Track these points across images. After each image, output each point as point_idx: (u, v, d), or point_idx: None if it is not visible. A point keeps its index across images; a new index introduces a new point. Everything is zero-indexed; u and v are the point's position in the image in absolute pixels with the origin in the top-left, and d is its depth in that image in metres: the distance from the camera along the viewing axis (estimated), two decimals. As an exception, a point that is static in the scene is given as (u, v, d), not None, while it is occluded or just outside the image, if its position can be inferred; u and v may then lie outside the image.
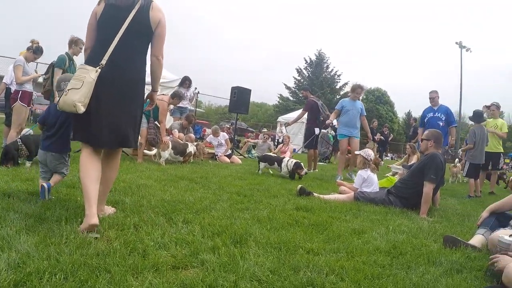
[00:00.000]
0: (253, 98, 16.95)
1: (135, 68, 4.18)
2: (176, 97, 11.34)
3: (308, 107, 13.20)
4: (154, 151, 10.14)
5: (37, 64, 17.24)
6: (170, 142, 10.13)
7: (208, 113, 74.18)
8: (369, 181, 7.60)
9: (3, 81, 10.55)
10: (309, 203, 6.04)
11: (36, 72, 8.95)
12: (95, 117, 3.98)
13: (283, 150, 16.36)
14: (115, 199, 5.02)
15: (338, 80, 64.30)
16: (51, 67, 9.11)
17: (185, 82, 14.71)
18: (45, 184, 4.68)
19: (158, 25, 4.18)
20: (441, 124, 10.74)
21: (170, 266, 3.07)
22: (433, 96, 11.15)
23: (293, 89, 64.20)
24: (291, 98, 63.90)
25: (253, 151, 18.67)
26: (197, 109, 20.52)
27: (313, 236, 4.28)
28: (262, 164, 10.55)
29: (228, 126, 31.36)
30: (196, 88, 16.17)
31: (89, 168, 4.02)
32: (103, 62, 3.94)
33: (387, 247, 4.12)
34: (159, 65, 4.38)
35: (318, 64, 64.59)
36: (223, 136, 14.21)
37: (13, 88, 9.09)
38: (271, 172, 10.66)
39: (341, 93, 62.53)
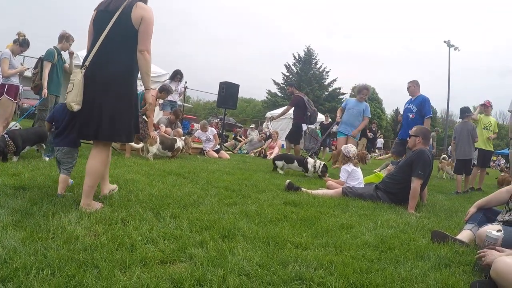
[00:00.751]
0: (242, 93, 17.02)
1: (116, 66, 4.40)
2: (164, 91, 11.28)
3: (295, 103, 13.20)
4: (141, 144, 10.07)
5: (24, 58, 17.15)
6: (158, 137, 10.07)
7: (196, 108, 74.13)
8: (353, 174, 7.73)
9: None
10: (297, 198, 6.06)
11: (23, 65, 8.87)
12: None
13: (272, 146, 16.38)
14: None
15: (326, 77, 64.44)
16: (40, 61, 9.12)
17: (176, 76, 14.63)
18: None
19: (141, 22, 4.36)
20: (411, 116, 10.27)
21: (158, 260, 3.06)
22: (408, 86, 10.65)
23: (281, 85, 64.12)
24: (279, 94, 63.92)
25: (242, 147, 18.68)
26: (185, 104, 20.39)
27: (301, 230, 4.28)
28: (279, 163, 10.29)
29: (216, 121, 31.28)
30: (186, 82, 16.03)
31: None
32: (87, 63, 4.34)
33: (375, 242, 4.13)
34: (143, 60, 4.47)
35: (306, 61, 64.65)
36: (211, 131, 14.14)
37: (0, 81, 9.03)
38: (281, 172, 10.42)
39: (329, 89, 62.75)
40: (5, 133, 7.06)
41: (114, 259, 2.95)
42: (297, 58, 65.27)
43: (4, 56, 8.10)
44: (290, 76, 64.09)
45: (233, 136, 23.48)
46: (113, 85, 4.39)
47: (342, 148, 8.15)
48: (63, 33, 9.31)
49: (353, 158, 7.96)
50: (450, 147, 19.69)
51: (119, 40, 4.39)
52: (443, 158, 16.49)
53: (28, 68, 9.29)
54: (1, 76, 8.49)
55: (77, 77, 4.29)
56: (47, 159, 7.61)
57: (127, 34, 4.39)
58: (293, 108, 13.37)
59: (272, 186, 7.31)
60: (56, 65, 9.23)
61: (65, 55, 9.47)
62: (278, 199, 5.94)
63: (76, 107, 4.28)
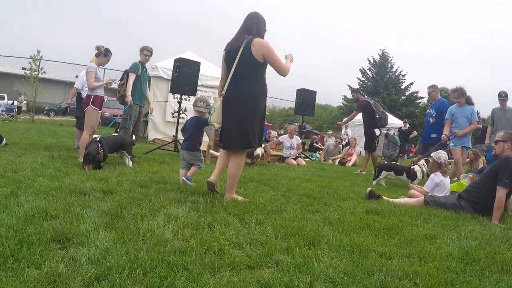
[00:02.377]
0: (317, 99, 16.82)
1: (245, 92, 5.51)
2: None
3: (361, 108, 12.78)
4: (221, 151, 10.21)
5: (104, 70, 17.87)
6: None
7: (272, 115, 74.32)
8: (441, 185, 7.36)
9: (74, 86, 11.34)
10: (379, 207, 5.97)
11: (110, 78, 9.31)
12: (222, 128, 5.64)
13: (350, 153, 16.19)
14: (191, 198, 5.36)
15: (403, 80, 62.58)
16: (126, 73, 9.69)
17: None
18: (184, 178, 6.58)
19: (265, 57, 5.46)
20: (431, 120, 10.69)
21: (245, 265, 3.14)
22: (429, 92, 11.08)
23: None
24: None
25: (316, 154, 18.57)
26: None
27: (384, 240, 4.23)
28: (384, 173, 9.83)
29: (293, 128, 31.10)
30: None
31: (221, 156, 6.02)
32: (223, 92, 5.59)
33: (459, 253, 4.01)
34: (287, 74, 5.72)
35: (382, 64, 63.06)
36: (297, 139, 14.00)
37: (84, 92, 9.56)
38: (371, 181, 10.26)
39: (406, 93, 61.21)
40: (98, 140, 7.38)
41: (203, 262, 3.05)
42: (372, 62, 64.02)
43: (90, 69, 8.48)
44: (366, 81, 62.96)
45: (309, 143, 23.37)
46: (244, 107, 5.47)
47: (433, 155, 7.88)
48: (140, 47, 10.09)
49: (443, 166, 7.67)
50: None
51: (245, 72, 5.49)
52: None
53: (114, 81, 9.71)
54: (87, 88, 8.90)
55: (217, 103, 5.58)
56: (130, 164, 7.92)
57: (250, 66, 5.47)
58: (361, 114, 13.06)
59: (352, 194, 7.25)
60: (140, 77, 9.79)
61: (150, 69, 9.95)
62: (359, 207, 5.88)
63: (217, 126, 5.57)
